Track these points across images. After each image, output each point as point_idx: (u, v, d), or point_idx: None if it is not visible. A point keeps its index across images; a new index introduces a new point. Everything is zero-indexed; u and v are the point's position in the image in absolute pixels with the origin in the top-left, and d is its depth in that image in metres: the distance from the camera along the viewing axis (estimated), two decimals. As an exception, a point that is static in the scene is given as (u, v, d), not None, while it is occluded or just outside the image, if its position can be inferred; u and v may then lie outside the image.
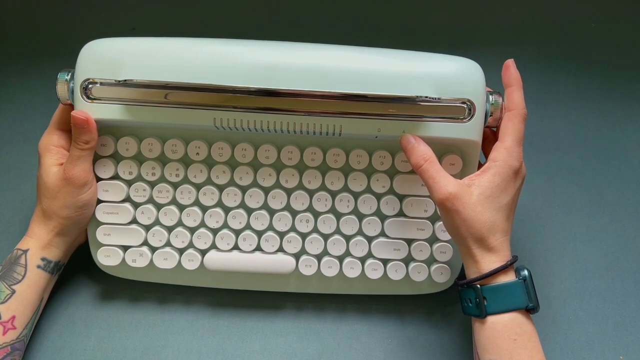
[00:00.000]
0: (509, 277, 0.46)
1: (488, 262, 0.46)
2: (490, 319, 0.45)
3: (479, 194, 0.45)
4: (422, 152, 0.47)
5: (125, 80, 0.46)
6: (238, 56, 0.46)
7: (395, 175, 0.51)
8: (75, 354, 0.52)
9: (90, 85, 0.47)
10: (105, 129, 0.50)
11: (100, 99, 0.47)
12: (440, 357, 0.54)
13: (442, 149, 0.51)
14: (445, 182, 0.45)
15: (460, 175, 0.50)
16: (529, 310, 0.45)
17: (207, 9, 0.69)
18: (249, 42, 0.48)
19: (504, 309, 0.45)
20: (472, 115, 0.47)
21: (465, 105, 0.47)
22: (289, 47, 0.48)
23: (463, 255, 0.48)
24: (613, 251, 0.59)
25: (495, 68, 0.69)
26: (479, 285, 0.46)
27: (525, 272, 0.46)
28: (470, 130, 0.48)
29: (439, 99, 0.47)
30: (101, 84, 0.47)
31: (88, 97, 0.48)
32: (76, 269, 0.56)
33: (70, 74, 0.49)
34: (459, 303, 0.56)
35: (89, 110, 0.48)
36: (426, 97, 0.46)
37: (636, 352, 0.54)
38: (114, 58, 0.47)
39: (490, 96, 0.49)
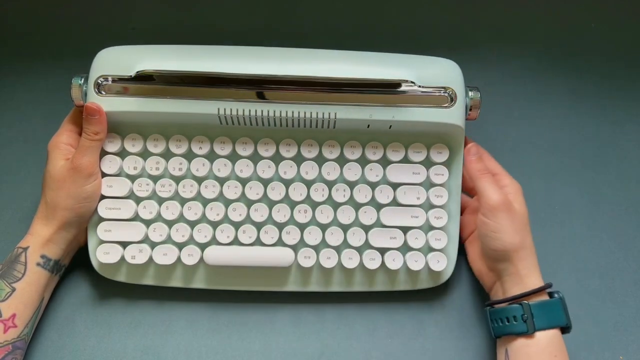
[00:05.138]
0: (543, 296, 0.48)
1: (535, 278, 0.49)
2: (538, 335, 0.47)
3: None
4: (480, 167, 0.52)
5: (137, 73, 0.50)
6: (240, 63, 0.51)
7: (388, 164, 0.53)
8: (75, 354, 0.52)
9: (103, 82, 0.51)
10: (113, 126, 0.52)
11: (111, 94, 0.51)
12: (441, 357, 0.54)
13: (430, 139, 0.54)
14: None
15: (447, 163, 0.54)
16: (565, 328, 0.47)
17: (207, 9, 0.69)
18: (249, 48, 0.53)
19: (549, 325, 0.47)
20: (454, 102, 0.51)
21: (447, 94, 0.51)
22: (288, 52, 0.52)
23: (502, 270, 0.50)
24: (613, 251, 0.59)
25: (495, 68, 0.69)
26: (527, 302, 0.47)
27: (560, 293, 0.48)
28: (454, 115, 0.52)
29: (422, 86, 0.51)
30: (113, 80, 0.50)
31: (100, 92, 0.51)
32: (76, 269, 0.56)
33: (83, 78, 0.52)
34: (458, 304, 0.56)
35: (101, 103, 0.51)
36: (412, 81, 0.51)
37: (636, 352, 0.54)
38: (126, 60, 0.51)
39: (470, 92, 0.53)
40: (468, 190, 0.56)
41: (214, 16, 0.69)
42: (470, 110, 0.53)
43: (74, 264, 0.55)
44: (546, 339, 0.47)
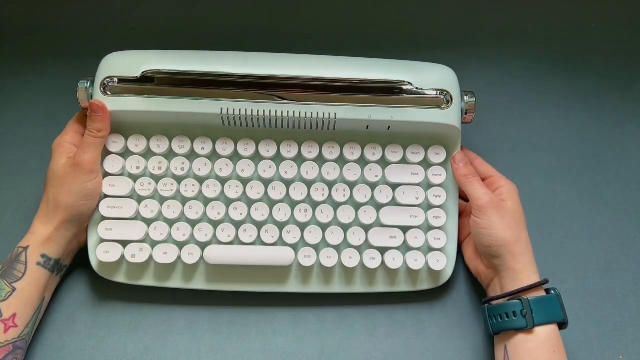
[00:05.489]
0: (540, 292, 0.49)
1: (531, 273, 0.49)
2: (537, 330, 0.47)
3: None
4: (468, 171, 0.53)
5: (142, 73, 0.51)
6: (242, 66, 0.52)
7: (387, 165, 0.55)
8: (75, 354, 0.52)
9: (109, 83, 0.52)
10: (117, 127, 0.53)
11: (117, 94, 0.52)
12: (441, 357, 0.54)
13: (427, 141, 0.55)
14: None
15: (445, 164, 0.55)
16: (562, 324, 0.48)
17: (207, 9, 0.69)
18: (251, 54, 0.53)
19: (548, 320, 0.47)
20: (450, 104, 0.53)
21: (443, 96, 0.53)
22: (288, 57, 0.53)
23: (498, 266, 0.50)
24: (613, 251, 0.59)
25: (495, 68, 0.69)
26: (526, 297, 0.48)
27: (556, 289, 0.49)
28: (450, 116, 0.53)
29: (420, 88, 0.52)
30: (119, 81, 0.52)
31: (106, 93, 0.52)
32: (77, 270, 0.56)
33: (89, 81, 0.53)
34: (458, 304, 0.56)
35: (106, 103, 0.52)
36: (409, 82, 0.52)
37: (636, 352, 0.54)
38: (132, 63, 0.52)
39: (465, 96, 0.54)
40: (464, 195, 0.56)
41: (213, 16, 0.69)
42: (466, 114, 0.54)
43: (75, 265, 0.55)
44: (545, 334, 0.47)
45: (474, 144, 0.62)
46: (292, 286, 0.54)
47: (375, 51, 0.56)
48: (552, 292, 0.49)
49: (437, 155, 0.55)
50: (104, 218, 0.53)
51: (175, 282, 0.54)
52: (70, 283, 0.55)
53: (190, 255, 0.53)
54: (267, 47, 0.55)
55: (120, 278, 0.54)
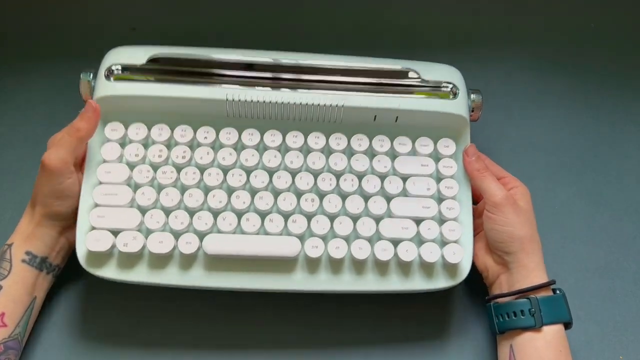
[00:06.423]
0: (547, 292, 0.49)
1: (542, 273, 0.49)
2: (544, 329, 0.47)
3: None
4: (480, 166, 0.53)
5: (148, 59, 0.52)
6: (248, 56, 0.53)
7: (395, 158, 0.54)
8: (76, 354, 0.52)
9: (114, 69, 0.51)
10: (118, 115, 0.52)
11: (121, 80, 0.51)
12: (441, 357, 0.54)
13: (436, 133, 0.54)
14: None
15: (455, 156, 0.54)
16: (567, 324, 0.48)
17: (208, 9, 0.69)
18: (257, 51, 0.54)
19: (555, 320, 0.47)
20: (458, 95, 0.53)
21: (450, 88, 0.54)
22: (293, 55, 0.54)
23: (510, 263, 0.50)
24: (613, 251, 0.59)
25: (496, 68, 0.69)
26: (534, 296, 0.48)
27: (562, 290, 0.49)
28: (458, 106, 0.53)
29: (427, 80, 0.54)
30: (123, 68, 0.51)
31: (109, 79, 0.51)
32: (76, 270, 0.55)
33: (92, 74, 0.52)
34: (458, 304, 0.56)
35: (110, 89, 0.51)
36: (416, 71, 0.53)
37: (636, 352, 0.54)
38: (138, 54, 0.52)
39: (472, 94, 0.55)
40: (473, 192, 0.56)
41: (214, 16, 0.69)
42: (472, 111, 0.54)
43: (75, 265, 0.55)
44: (551, 333, 0.47)
45: (474, 144, 0.62)
46: (298, 281, 0.50)
47: (376, 51, 0.56)
48: (558, 292, 0.49)
49: (447, 147, 0.54)
50: (97, 205, 0.50)
51: (170, 277, 0.50)
52: (69, 283, 0.55)
53: (188, 244, 0.49)
54: (268, 47, 0.55)
55: (109, 272, 0.49)
